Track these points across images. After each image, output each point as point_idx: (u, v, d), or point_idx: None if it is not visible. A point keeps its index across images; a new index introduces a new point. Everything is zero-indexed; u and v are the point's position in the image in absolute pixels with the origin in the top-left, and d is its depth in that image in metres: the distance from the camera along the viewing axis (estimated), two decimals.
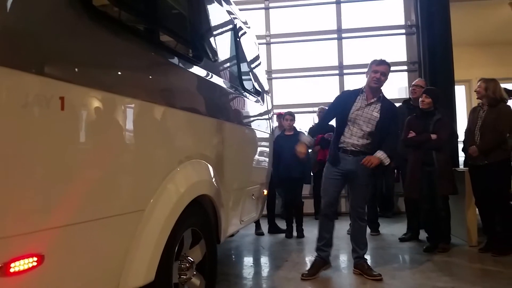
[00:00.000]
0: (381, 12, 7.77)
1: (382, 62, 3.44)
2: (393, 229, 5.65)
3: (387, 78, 3.46)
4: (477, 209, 4.50)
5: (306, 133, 6.15)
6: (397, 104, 5.47)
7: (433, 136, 4.24)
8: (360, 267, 3.55)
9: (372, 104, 3.45)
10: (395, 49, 7.69)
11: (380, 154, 3.37)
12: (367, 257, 3.74)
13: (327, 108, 3.75)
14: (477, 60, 9.03)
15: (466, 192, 4.54)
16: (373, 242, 4.92)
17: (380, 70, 3.39)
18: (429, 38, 6.89)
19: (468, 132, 4.38)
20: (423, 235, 4.78)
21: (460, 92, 8.97)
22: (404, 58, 7.60)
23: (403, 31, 7.64)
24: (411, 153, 4.43)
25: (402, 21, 7.65)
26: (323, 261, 3.56)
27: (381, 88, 3.50)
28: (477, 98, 4.27)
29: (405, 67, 7.59)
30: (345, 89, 7.43)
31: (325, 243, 3.57)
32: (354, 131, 3.42)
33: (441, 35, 6.66)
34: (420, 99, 4.40)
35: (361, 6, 7.89)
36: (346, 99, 3.54)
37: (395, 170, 6.63)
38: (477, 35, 8.84)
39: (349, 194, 3.51)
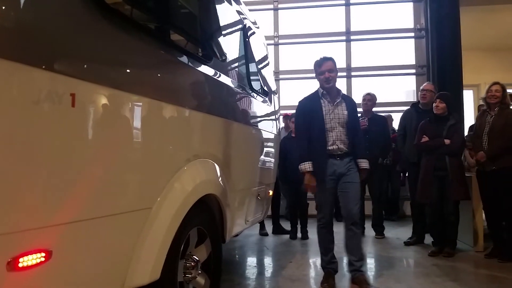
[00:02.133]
0: (390, 15, 7.75)
1: (324, 60, 3.33)
2: (398, 233, 5.63)
3: (336, 72, 3.35)
4: (483, 214, 4.47)
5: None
6: (405, 108, 5.48)
7: (447, 141, 4.23)
8: (357, 281, 3.29)
9: (338, 104, 3.36)
10: (404, 52, 7.68)
11: (365, 164, 3.37)
12: (371, 260, 3.71)
13: (295, 119, 3.57)
14: (486, 65, 8.98)
15: (473, 198, 4.52)
16: (378, 245, 4.91)
17: (325, 69, 3.29)
18: (438, 42, 6.86)
19: (475, 137, 4.36)
20: (428, 239, 4.76)
21: (468, 97, 8.92)
22: (412, 61, 7.58)
23: (412, 34, 7.62)
24: (424, 158, 4.41)
25: (411, 25, 7.62)
26: (334, 272, 3.42)
27: (336, 84, 3.40)
28: (492, 102, 4.18)
29: (413, 71, 7.57)
30: (353, 91, 7.45)
31: (333, 254, 3.42)
32: (336, 135, 3.31)
33: (450, 39, 6.62)
34: (434, 104, 4.36)
35: (371, 9, 7.87)
36: (312, 106, 3.38)
37: (401, 174, 6.62)
38: (485, 40, 8.79)
39: (341, 199, 3.33)
